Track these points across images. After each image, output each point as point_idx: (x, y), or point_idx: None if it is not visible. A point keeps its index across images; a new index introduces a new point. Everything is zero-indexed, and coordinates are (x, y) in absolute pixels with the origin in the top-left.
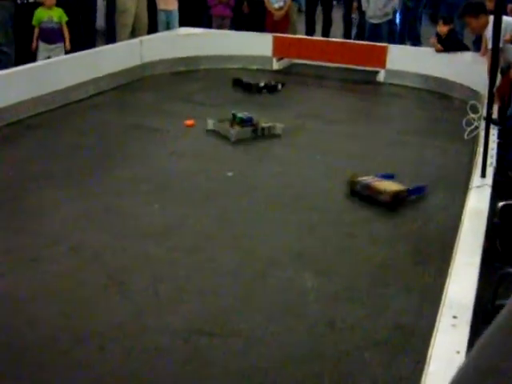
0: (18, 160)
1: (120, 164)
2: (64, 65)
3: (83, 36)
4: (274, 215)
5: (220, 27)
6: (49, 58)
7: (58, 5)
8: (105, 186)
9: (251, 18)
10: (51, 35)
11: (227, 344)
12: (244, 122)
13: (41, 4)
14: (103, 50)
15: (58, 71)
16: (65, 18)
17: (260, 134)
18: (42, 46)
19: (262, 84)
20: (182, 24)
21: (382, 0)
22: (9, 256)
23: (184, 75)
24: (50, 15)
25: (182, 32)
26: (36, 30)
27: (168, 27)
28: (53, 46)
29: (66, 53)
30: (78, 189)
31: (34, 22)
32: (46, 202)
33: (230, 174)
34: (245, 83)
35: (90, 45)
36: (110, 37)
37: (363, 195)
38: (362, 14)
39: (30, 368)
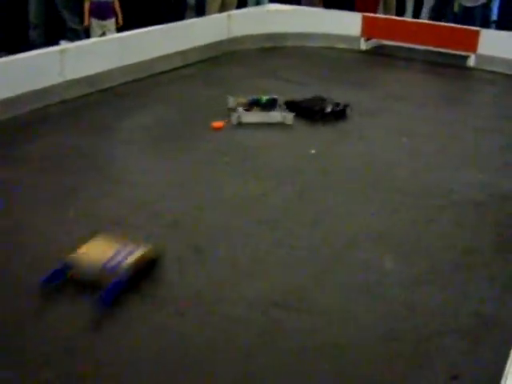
0: (106, 126)
1: (204, 135)
2: (152, 36)
3: (173, 9)
4: (356, 195)
5: (310, 5)
6: (103, 34)
7: None
8: (189, 157)
9: None
10: (104, 10)
11: (304, 319)
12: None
13: None
14: (192, 23)
15: (146, 42)
16: None
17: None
18: (95, 22)
19: (328, 109)
20: (274, 1)
21: None
22: (92, 219)
23: (271, 51)
24: None
25: (271, 8)
26: (87, 5)
27: (257, 3)
28: (105, 22)
29: (118, 29)
30: (162, 157)
31: None
32: (131, 169)
33: (313, 151)
34: (303, 108)
35: (180, 17)
36: (200, 10)
37: None
38: None
39: (106, 334)
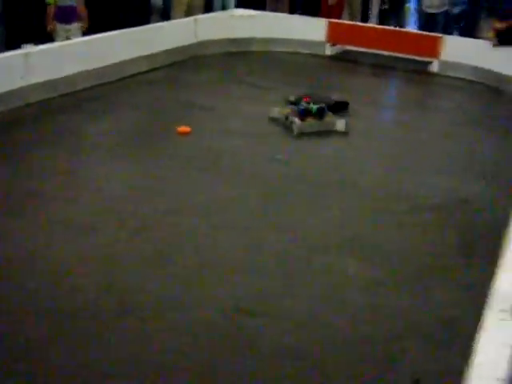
0: (70, 131)
1: (170, 140)
2: (119, 39)
3: (138, 13)
4: (323, 200)
5: (275, 10)
6: (67, 38)
7: None
8: (155, 162)
9: (306, 2)
10: (68, 14)
11: (270, 324)
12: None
13: None
14: (159, 27)
15: (113, 45)
16: None
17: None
18: (59, 26)
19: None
20: (239, 6)
21: None
22: (59, 225)
23: (237, 56)
24: None
25: (237, 13)
26: (51, 9)
27: (223, 8)
28: (69, 26)
29: (84, 33)
30: (128, 163)
31: (49, 0)
32: (98, 174)
33: (279, 156)
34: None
35: (145, 21)
36: (166, 15)
37: None
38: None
39: (74, 338)
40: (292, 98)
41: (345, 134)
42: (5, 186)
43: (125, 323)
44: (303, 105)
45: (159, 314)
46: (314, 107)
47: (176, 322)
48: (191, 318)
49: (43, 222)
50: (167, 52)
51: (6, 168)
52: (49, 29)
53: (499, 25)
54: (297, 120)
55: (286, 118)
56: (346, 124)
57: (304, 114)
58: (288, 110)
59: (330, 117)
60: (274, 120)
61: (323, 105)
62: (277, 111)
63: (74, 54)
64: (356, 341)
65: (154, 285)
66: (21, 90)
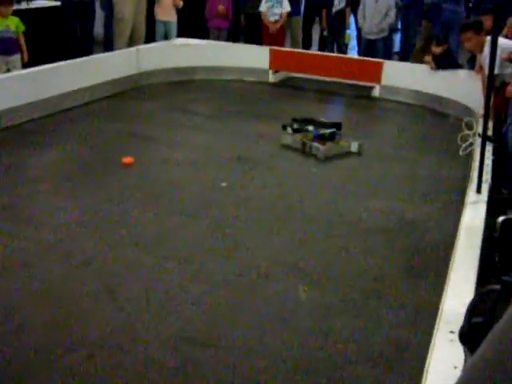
0: (12, 165)
1: (113, 172)
2: (60, 71)
3: (80, 43)
4: (269, 226)
5: (217, 39)
6: (8, 70)
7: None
8: (99, 194)
9: (248, 31)
10: (9, 46)
11: (219, 355)
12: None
13: None
14: (100, 58)
15: (53, 77)
16: (22, 28)
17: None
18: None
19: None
20: (182, 35)
21: (378, 17)
22: (2, 261)
23: (180, 85)
24: (7, 24)
25: (179, 42)
26: None
27: (166, 38)
28: (11, 58)
29: (24, 65)
30: (70, 196)
31: None
32: (39, 209)
33: (223, 184)
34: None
35: (87, 52)
36: (108, 45)
37: None
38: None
39: (18, 375)
40: (295, 126)
41: (282, 158)
42: None
43: (70, 360)
44: (318, 130)
45: (106, 350)
46: (327, 132)
47: (122, 358)
48: (138, 353)
49: None
50: (109, 83)
51: None
52: None
53: (436, 49)
54: (320, 146)
55: (304, 144)
56: (360, 145)
57: (320, 139)
58: (300, 136)
59: (342, 140)
60: (287, 147)
61: (334, 129)
62: (290, 138)
63: (16, 87)
64: (307, 368)
65: (101, 320)
66: None
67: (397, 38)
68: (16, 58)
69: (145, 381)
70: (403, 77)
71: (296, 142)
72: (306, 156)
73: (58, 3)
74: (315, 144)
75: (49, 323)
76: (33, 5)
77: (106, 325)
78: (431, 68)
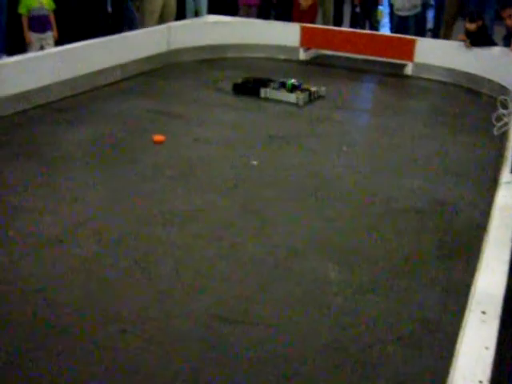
0: (45, 143)
1: (145, 149)
2: (92, 49)
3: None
4: (299, 205)
5: (247, 16)
6: (41, 48)
7: None
8: (131, 171)
9: (278, 7)
10: (43, 23)
11: (249, 331)
12: (297, 88)
13: None
14: (131, 36)
15: (85, 55)
16: (52, 6)
17: (313, 98)
18: (34, 35)
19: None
20: (212, 12)
21: None
22: (34, 237)
23: (210, 63)
24: (41, 1)
25: (210, 20)
26: (25, 19)
27: (196, 15)
28: (44, 35)
29: (55, 42)
30: (103, 173)
31: (21, 10)
32: (72, 186)
33: (254, 162)
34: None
35: (117, 30)
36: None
37: None
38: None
39: (53, 349)
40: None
41: (316, 136)
42: None
43: (104, 335)
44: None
45: (138, 325)
46: (290, 83)
47: (154, 334)
48: (169, 329)
49: (19, 235)
50: (140, 60)
51: None
52: (27, 40)
53: (471, 26)
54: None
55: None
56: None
57: (280, 86)
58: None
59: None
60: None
61: (300, 83)
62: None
63: (49, 65)
64: (336, 346)
65: (133, 295)
66: None
67: (430, 14)
68: (49, 35)
69: (175, 356)
70: (436, 54)
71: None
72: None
73: None
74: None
75: (82, 299)
76: None
77: (138, 301)
78: (466, 45)
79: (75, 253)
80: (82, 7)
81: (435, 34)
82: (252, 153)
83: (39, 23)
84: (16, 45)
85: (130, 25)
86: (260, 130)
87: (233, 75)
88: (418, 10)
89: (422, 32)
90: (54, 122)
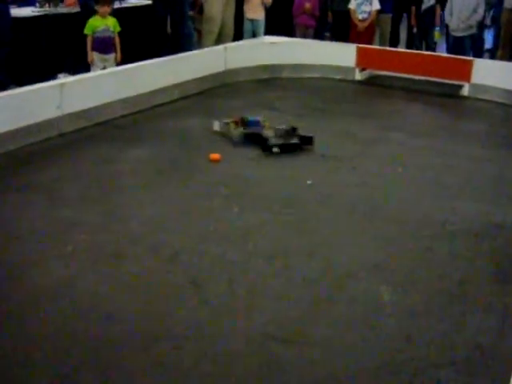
0: (104, 160)
1: (201, 168)
2: (150, 68)
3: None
4: (353, 226)
5: (304, 36)
6: (104, 68)
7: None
8: (187, 189)
9: (335, 28)
10: (107, 45)
11: (302, 352)
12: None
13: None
14: (189, 56)
15: (144, 75)
16: (118, 28)
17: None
18: (97, 56)
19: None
20: (269, 32)
21: (465, 13)
22: (91, 252)
23: (267, 83)
24: (107, 24)
25: (267, 40)
26: (90, 40)
27: (254, 36)
28: (107, 56)
29: (117, 64)
30: (159, 190)
31: (87, 31)
32: (128, 202)
33: (309, 182)
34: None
35: (178, 49)
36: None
37: None
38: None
39: (106, 364)
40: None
41: (371, 157)
42: (41, 215)
43: (157, 350)
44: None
45: (192, 342)
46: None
47: (208, 351)
48: (223, 347)
49: (77, 250)
50: (198, 80)
51: (42, 196)
52: (90, 59)
53: None
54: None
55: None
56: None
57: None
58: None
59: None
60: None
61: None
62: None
63: (109, 84)
64: (389, 369)
65: (188, 312)
66: (55, 119)
67: (489, 35)
68: (111, 57)
69: (229, 374)
70: (494, 75)
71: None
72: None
73: (150, 1)
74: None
75: (136, 314)
76: (125, 4)
77: (192, 318)
78: None
79: (131, 269)
80: (143, 29)
81: (493, 55)
82: (307, 172)
83: (103, 44)
84: (80, 64)
85: (189, 44)
86: (315, 149)
87: (288, 95)
88: (474, 30)
89: (479, 52)
90: (113, 139)
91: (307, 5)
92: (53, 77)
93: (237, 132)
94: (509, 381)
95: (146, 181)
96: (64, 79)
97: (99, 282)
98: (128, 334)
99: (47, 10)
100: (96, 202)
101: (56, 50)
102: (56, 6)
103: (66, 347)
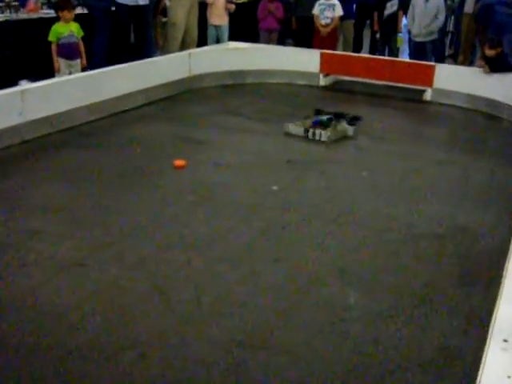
0: (68, 167)
1: (166, 174)
2: (115, 75)
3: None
4: (319, 231)
5: (267, 42)
6: (70, 74)
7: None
8: (152, 195)
9: (299, 34)
10: (73, 50)
11: (269, 358)
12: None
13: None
14: (153, 62)
15: (108, 81)
16: (81, 33)
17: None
18: (63, 62)
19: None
20: (233, 39)
21: (426, 19)
22: (54, 261)
23: (232, 88)
24: (71, 29)
25: (231, 46)
26: (54, 47)
27: (218, 42)
28: (73, 62)
29: (83, 69)
30: (123, 197)
31: (51, 38)
32: (92, 210)
33: (274, 187)
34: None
35: (142, 56)
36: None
37: None
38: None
39: (71, 375)
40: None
41: (335, 162)
42: (2, 224)
43: (123, 359)
44: (317, 117)
45: (158, 351)
46: (324, 118)
47: (173, 359)
48: (189, 354)
49: (40, 259)
50: (162, 86)
51: (4, 205)
52: (56, 66)
53: (490, 52)
54: (323, 131)
55: (306, 131)
56: (355, 129)
57: (317, 125)
58: (305, 122)
59: (340, 125)
60: (289, 135)
61: (330, 116)
62: (293, 126)
63: (73, 90)
64: (356, 373)
65: (153, 320)
66: (18, 126)
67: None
68: (77, 63)
69: (196, 382)
70: (456, 80)
71: (298, 130)
72: (309, 142)
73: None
74: (318, 131)
75: (101, 323)
76: (87, 9)
77: (158, 325)
78: (485, 71)
79: (95, 277)
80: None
81: (455, 60)
82: (272, 178)
83: (69, 50)
84: (45, 71)
85: (152, 51)
86: (280, 155)
87: (253, 101)
88: (435, 36)
89: (440, 58)
90: (77, 145)
91: (271, 6)
92: (14, 84)
93: (328, 134)
94: (473, 382)
95: (110, 188)
96: (26, 85)
97: (63, 291)
98: (92, 343)
99: (8, 15)
100: (59, 211)
101: (18, 56)
102: (17, 11)
103: (30, 359)
